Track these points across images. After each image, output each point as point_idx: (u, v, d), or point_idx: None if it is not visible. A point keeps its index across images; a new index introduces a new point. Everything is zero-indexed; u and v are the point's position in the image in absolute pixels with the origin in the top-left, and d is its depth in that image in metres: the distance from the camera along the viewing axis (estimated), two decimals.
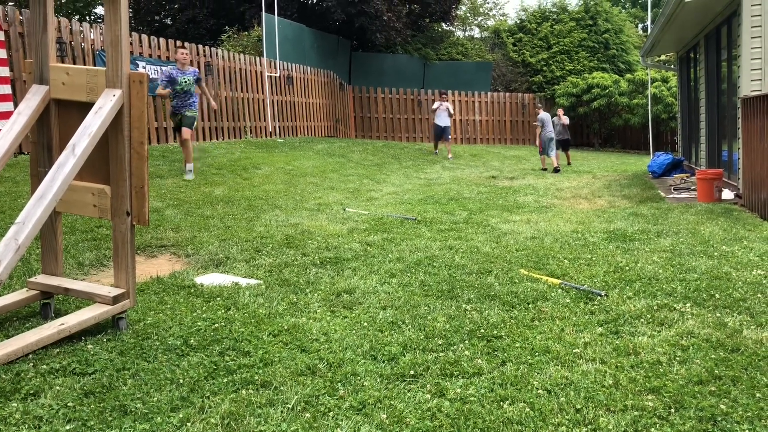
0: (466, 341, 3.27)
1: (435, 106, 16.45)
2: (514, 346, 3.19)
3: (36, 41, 3.37)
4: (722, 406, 2.55)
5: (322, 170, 11.12)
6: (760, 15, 8.04)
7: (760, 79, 8.01)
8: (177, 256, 5.09)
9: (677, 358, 3.04)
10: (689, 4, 8.77)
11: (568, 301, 3.97)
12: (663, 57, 19.11)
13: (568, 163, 15.38)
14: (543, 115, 14.41)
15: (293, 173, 10.38)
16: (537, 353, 3.11)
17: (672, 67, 17.63)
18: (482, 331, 3.42)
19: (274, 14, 15.38)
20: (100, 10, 18.70)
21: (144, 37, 11.83)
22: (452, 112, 16.79)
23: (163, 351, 3.05)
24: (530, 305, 3.95)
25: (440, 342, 3.24)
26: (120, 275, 3.37)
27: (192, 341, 3.17)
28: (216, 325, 3.42)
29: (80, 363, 2.84)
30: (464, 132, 20.99)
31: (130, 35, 11.45)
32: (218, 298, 3.92)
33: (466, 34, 28.58)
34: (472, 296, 4.13)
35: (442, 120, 16.20)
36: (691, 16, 9.85)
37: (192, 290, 4.09)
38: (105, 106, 3.16)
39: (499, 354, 3.09)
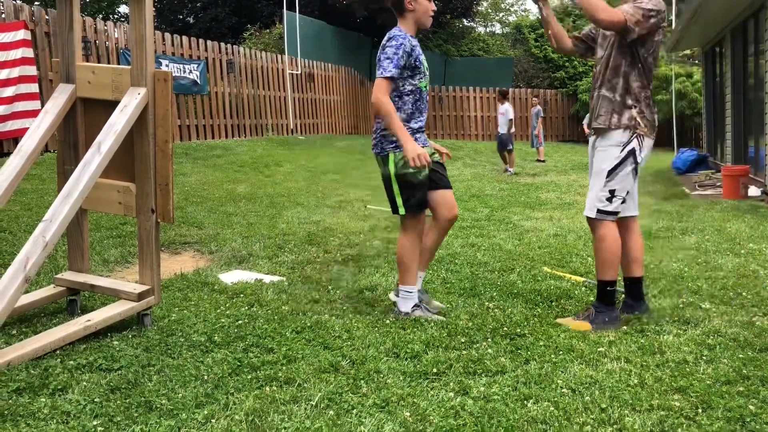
0: (489, 339, 3.25)
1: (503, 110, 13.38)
2: (538, 345, 3.17)
3: (62, 40, 3.41)
4: (751, 407, 2.51)
5: (343, 167, 11.14)
6: None
7: None
8: (201, 253, 5.13)
9: (704, 358, 3.00)
10: None
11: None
12: (687, 51, 18.86)
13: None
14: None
15: (315, 170, 10.41)
16: (561, 351, 3.08)
17: (696, 62, 17.40)
18: (505, 329, 3.40)
19: (295, 11, 15.42)
20: (123, 8, 18.89)
21: (167, 35, 11.93)
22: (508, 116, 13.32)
23: (188, 347, 3.08)
24: (553, 303, 3.92)
25: (463, 340, 3.23)
26: (145, 272, 3.40)
27: (216, 338, 3.19)
28: (240, 321, 3.45)
29: (106, 359, 2.87)
30: (485, 128, 20.90)
31: (154, 34, 11.55)
32: (241, 295, 3.94)
33: (488, 30, 28.45)
34: (494, 294, 4.11)
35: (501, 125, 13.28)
36: (717, 9, 9.71)
37: (215, 287, 4.12)
38: (130, 104, 3.18)
39: (522, 352, 3.08)
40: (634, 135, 3.46)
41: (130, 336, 3.19)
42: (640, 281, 3.73)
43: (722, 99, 12.40)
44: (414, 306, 3.60)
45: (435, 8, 3.60)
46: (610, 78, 3.50)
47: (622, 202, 3.52)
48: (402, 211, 3.54)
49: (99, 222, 5.68)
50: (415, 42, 3.51)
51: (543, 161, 15.00)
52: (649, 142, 3.54)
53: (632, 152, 3.48)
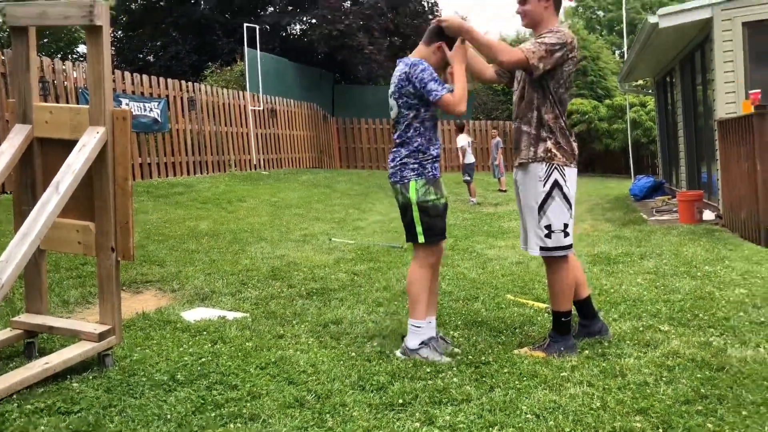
0: (455, 368, 3.27)
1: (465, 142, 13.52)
2: (502, 372, 3.20)
3: (18, 81, 3.39)
4: (709, 425, 2.56)
5: (307, 201, 11.15)
6: (731, 40, 8.24)
7: (735, 102, 8.18)
8: (162, 292, 5.07)
9: (663, 379, 3.06)
10: (663, 30, 8.98)
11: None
12: (640, 82, 19.44)
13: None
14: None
15: (278, 205, 10.40)
16: (525, 377, 3.12)
17: (649, 91, 17.94)
18: (470, 357, 3.42)
19: (256, 49, 15.52)
20: (82, 48, 18.77)
21: (127, 74, 11.89)
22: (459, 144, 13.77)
23: (150, 387, 3.03)
24: (517, 330, 3.97)
25: (428, 370, 3.24)
26: (105, 312, 3.36)
27: (179, 376, 3.15)
28: (203, 359, 3.41)
29: (66, 401, 2.81)
30: (448, 160, 21.14)
31: (113, 73, 11.51)
32: (205, 333, 3.90)
33: None
34: (459, 323, 4.14)
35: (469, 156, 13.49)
36: (665, 41, 10.07)
37: (178, 325, 4.07)
38: (89, 143, 3.17)
39: (487, 380, 3.10)
40: (553, 167, 3.47)
41: (91, 377, 3.13)
42: (588, 300, 3.79)
43: (675, 127, 12.79)
44: (421, 343, 3.46)
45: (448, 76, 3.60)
46: (526, 112, 3.55)
47: (565, 236, 3.49)
48: (421, 239, 3.48)
49: (58, 262, 5.59)
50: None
51: (504, 191, 15.24)
52: (571, 171, 3.52)
53: (555, 184, 3.47)
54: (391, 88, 3.57)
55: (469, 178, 13.01)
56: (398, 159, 3.55)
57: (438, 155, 3.58)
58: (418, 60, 3.47)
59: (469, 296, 4.83)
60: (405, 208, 3.54)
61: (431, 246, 3.52)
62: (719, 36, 8.32)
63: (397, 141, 3.58)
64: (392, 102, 3.56)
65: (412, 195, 3.47)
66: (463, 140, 13.66)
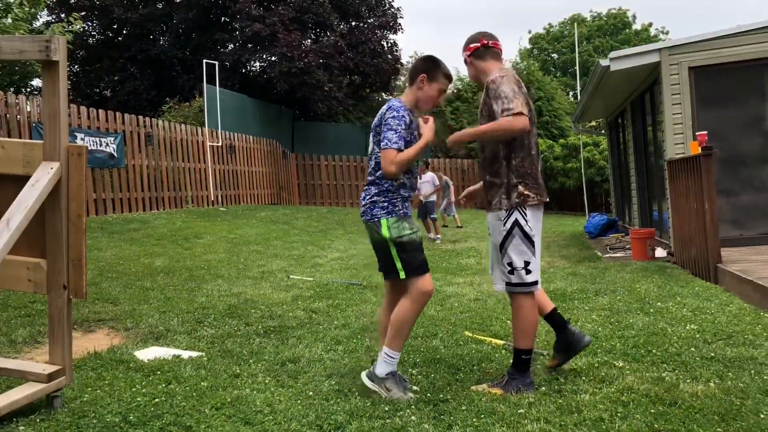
0: (413, 406, 3.26)
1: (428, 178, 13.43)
2: (460, 409, 3.20)
3: None
4: None
5: (265, 238, 11.07)
6: (678, 84, 8.56)
7: (683, 143, 8.47)
8: (116, 330, 4.95)
9: (618, 414, 3.10)
10: (614, 74, 9.28)
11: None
12: (593, 123, 19.99)
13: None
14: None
15: (236, 242, 10.30)
16: (483, 415, 3.12)
17: (602, 132, 18.45)
18: (429, 395, 3.42)
19: (215, 85, 15.52)
20: (37, 82, 18.51)
21: (83, 108, 11.76)
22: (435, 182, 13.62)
23: (101, 429, 2.94)
24: (475, 367, 3.98)
25: (387, 408, 3.22)
26: (55, 351, 3.26)
27: (131, 417, 3.07)
28: (156, 399, 3.33)
29: None
30: None
31: (69, 107, 11.36)
32: (158, 372, 3.81)
33: None
34: (418, 360, 4.13)
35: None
36: (616, 84, 10.41)
37: (131, 365, 3.97)
38: (42, 179, 3.12)
39: (445, 417, 3.09)
40: (514, 209, 3.52)
41: (38, 420, 3.03)
42: (554, 311, 3.86)
43: (627, 166, 13.15)
44: (389, 373, 3.44)
45: (440, 104, 3.60)
46: (492, 164, 3.63)
47: (527, 273, 3.52)
48: (402, 275, 3.46)
49: (6, 301, 5.42)
50: (410, 115, 3.56)
51: (461, 227, 15.38)
52: (534, 211, 3.56)
53: (516, 223, 3.52)
54: (373, 124, 3.61)
55: (434, 216, 13.09)
56: (368, 197, 3.55)
57: (409, 196, 3.58)
58: (399, 105, 3.52)
59: (428, 333, 4.83)
60: (380, 246, 3.54)
61: (416, 279, 3.47)
62: (667, 79, 8.64)
63: (369, 179, 3.59)
64: (370, 138, 3.61)
65: (385, 233, 3.47)
66: (434, 178, 13.71)
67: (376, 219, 3.49)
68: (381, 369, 3.46)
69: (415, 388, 3.57)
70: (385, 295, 3.80)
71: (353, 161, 21.22)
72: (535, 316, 3.61)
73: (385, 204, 3.49)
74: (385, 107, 3.55)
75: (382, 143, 3.44)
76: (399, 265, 3.47)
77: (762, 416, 3.02)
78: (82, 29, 20.26)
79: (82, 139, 11.29)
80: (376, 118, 3.60)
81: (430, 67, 3.62)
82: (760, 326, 4.68)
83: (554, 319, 3.90)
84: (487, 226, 3.79)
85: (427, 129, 3.57)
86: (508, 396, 3.39)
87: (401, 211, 3.52)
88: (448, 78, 3.69)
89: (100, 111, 12.16)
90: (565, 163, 21.69)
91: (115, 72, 21.50)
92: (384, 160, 3.41)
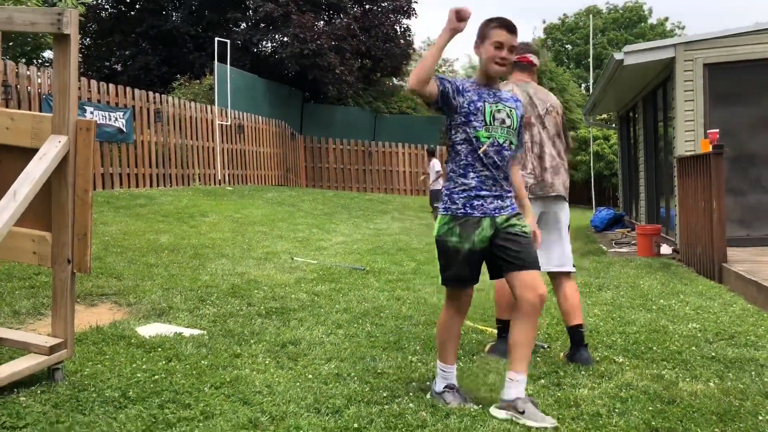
0: (411, 393, 3.27)
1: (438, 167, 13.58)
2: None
3: None
4: None
5: (271, 219, 11.08)
6: (692, 80, 8.49)
7: (693, 140, 8.41)
8: (118, 306, 4.97)
9: (616, 410, 3.10)
10: (627, 68, 9.21)
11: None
12: (604, 116, 19.88)
13: None
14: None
15: (242, 221, 10.32)
16: (481, 404, 3.12)
17: (613, 125, 18.34)
18: (427, 383, 3.42)
19: (226, 64, 15.47)
20: (48, 54, 18.48)
21: (93, 82, 11.74)
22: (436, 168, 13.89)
23: (100, 403, 2.96)
24: (474, 357, 3.98)
25: (385, 394, 3.23)
26: (58, 324, 3.28)
27: (131, 393, 3.09)
28: (156, 376, 3.35)
29: (11, 416, 2.73)
30: (413, 183, 21.25)
31: (79, 80, 11.35)
32: (159, 349, 3.83)
33: None
34: (418, 348, 4.14)
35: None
36: (629, 78, 10.33)
37: (132, 340, 3.99)
38: (49, 152, 3.12)
39: (443, 406, 3.10)
40: None
41: (39, 392, 3.05)
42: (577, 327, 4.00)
43: (636, 161, 13.09)
44: (446, 387, 3.18)
45: (504, 55, 3.07)
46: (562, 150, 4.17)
47: None
48: (439, 279, 3.24)
49: (11, 272, 5.45)
50: (470, 84, 3.15)
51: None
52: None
53: None
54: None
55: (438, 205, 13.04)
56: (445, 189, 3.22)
57: (474, 186, 3.07)
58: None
59: (429, 321, 4.83)
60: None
61: (450, 288, 3.23)
62: (681, 75, 8.57)
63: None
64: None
65: (435, 229, 3.19)
66: (438, 165, 13.71)
67: (438, 213, 3.24)
68: (436, 385, 3.24)
69: (474, 407, 3.14)
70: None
71: (361, 145, 21.18)
72: None
73: (445, 197, 3.19)
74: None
75: None
76: (439, 267, 3.26)
77: (760, 418, 3.02)
78: (94, 2, 20.22)
79: (92, 113, 11.28)
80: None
81: (477, 32, 3.19)
82: (763, 328, 4.67)
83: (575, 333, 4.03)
84: (545, 215, 4.06)
85: (445, 26, 2.93)
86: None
87: (460, 210, 3.14)
88: (500, 25, 3.11)
89: (111, 85, 12.14)
90: (574, 155, 21.59)
91: (127, 47, 21.44)
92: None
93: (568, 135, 4.24)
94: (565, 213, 4.11)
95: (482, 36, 3.14)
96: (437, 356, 3.30)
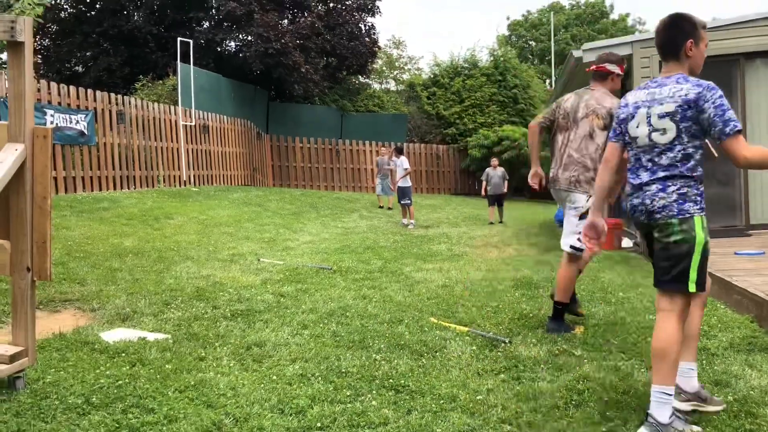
0: (374, 391, 3.32)
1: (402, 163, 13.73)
2: (420, 395, 3.27)
3: None
4: None
5: (237, 220, 11.04)
6: (649, 77, 8.68)
7: None
8: (82, 311, 4.94)
9: (573, 402, 3.19)
10: (587, 64, 9.36)
11: (474, 348, 4.10)
12: None
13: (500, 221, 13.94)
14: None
15: (207, 223, 10.27)
16: (443, 400, 3.19)
17: None
18: (390, 380, 3.48)
19: (190, 64, 15.35)
20: (5, 55, 18.10)
21: (53, 84, 11.57)
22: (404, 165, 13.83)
23: (63, 410, 2.96)
24: (437, 353, 4.05)
25: (348, 393, 3.28)
26: (18, 332, 3.27)
27: (94, 399, 3.09)
28: (120, 382, 3.35)
29: None
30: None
31: (39, 82, 11.17)
32: (123, 354, 3.83)
33: (383, 86, 29.31)
34: (382, 346, 4.19)
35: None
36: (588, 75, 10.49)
37: (96, 346, 3.98)
38: (6, 160, 3.10)
39: (405, 403, 3.16)
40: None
41: None
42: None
43: None
44: (672, 415, 2.80)
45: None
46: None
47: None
48: (692, 287, 2.87)
49: None
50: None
51: (391, 209, 15.51)
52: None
53: None
54: (665, 108, 2.96)
55: (409, 201, 13.13)
56: (673, 189, 2.91)
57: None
58: (704, 83, 2.94)
59: (394, 319, 4.89)
60: (679, 247, 2.89)
61: (695, 295, 2.99)
62: (638, 72, 8.76)
63: (666, 172, 2.95)
64: (667, 123, 2.96)
65: (699, 233, 2.87)
66: (407, 162, 13.79)
67: (688, 216, 2.88)
68: (662, 414, 2.80)
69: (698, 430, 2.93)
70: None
71: (328, 144, 21.17)
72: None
73: (698, 198, 2.92)
74: (697, 88, 2.92)
75: (728, 127, 2.81)
76: (693, 275, 2.87)
77: None
78: (53, 2, 19.85)
79: (52, 116, 11.11)
80: (674, 100, 2.95)
81: (690, 29, 3.07)
82: (715, 317, 4.83)
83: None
84: (566, 202, 4.72)
85: None
86: (468, 382, 3.47)
87: (704, 212, 2.95)
88: (705, 27, 3.14)
89: (71, 87, 11.97)
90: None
91: (88, 48, 21.10)
92: (738, 144, 2.79)
93: (599, 134, 4.57)
94: (572, 203, 4.69)
95: (697, 39, 3.09)
96: (660, 380, 2.82)
